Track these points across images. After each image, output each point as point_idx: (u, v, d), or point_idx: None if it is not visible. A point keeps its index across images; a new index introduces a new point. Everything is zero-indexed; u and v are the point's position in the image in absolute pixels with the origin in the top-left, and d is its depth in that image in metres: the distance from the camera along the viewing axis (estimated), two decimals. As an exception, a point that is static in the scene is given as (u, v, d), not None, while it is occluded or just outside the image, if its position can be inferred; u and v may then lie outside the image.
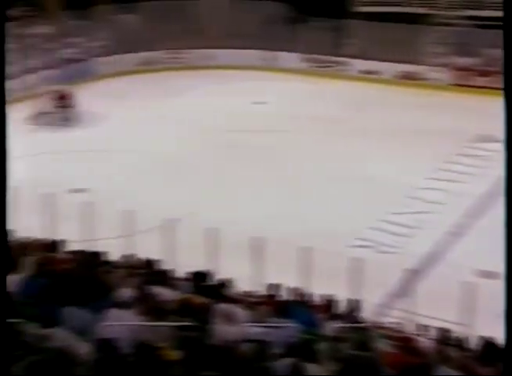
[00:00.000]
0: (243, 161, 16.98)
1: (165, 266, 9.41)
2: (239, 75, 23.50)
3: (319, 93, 22.47)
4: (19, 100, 20.75)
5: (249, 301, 7.38)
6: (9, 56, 17.92)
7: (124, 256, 8.91)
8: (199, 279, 7.75)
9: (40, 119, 19.71)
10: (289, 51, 24.66)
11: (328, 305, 7.71)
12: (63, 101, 19.90)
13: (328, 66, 24.76)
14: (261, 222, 13.06)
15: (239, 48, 24.57)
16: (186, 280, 8.00)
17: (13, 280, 6.63)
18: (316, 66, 24.95)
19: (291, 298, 7.90)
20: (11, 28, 22.29)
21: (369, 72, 23.97)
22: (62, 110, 19.85)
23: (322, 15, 23.73)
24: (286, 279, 8.54)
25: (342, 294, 7.92)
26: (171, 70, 24.97)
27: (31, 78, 22.18)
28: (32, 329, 5.06)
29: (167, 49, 25.46)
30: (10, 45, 22.06)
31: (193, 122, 19.92)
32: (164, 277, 7.74)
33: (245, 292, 8.24)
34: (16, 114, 19.86)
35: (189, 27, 25.47)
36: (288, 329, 6.27)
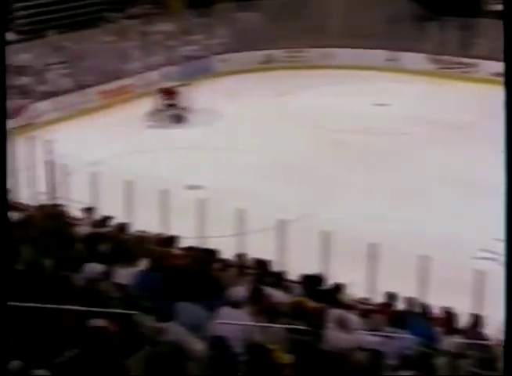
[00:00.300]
0: (360, 164, 16.81)
1: (277, 267, 9.49)
2: (360, 76, 23.26)
3: (444, 96, 21.84)
4: (140, 97, 21.68)
5: (363, 309, 7.28)
6: (132, 53, 18.70)
7: (236, 255, 9.04)
8: (312, 282, 7.73)
9: (155, 116, 20.37)
10: (414, 51, 24.09)
11: (447, 318, 7.47)
12: (170, 99, 20.37)
13: (455, 68, 23.99)
14: (375, 226, 12.88)
15: (360, 48, 24.29)
16: (299, 282, 8.01)
17: (130, 273, 6.89)
18: (443, 68, 24.23)
19: (408, 308, 7.72)
20: (134, 26, 23.33)
21: (499, 74, 23.05)
22: (168, 108, 20.33)
23: (453, 13, 23.00)
24: (402, 287, 8.37)
25: (462, 308, 7.65)
26: (289, 68, 25.09)
27: (153, 75, 23.01)
28: (148, 322, 5.23)
29: (286, 48, 25.58)
30: (133, 43, 23.08)
31: (309, 122, 19.94)
32: (276, 279, 7.78)
33: (359, 299, 8.14)
34: (137, 110, 20.77)
35: (309, 25, 25.49)
36: (404, 340, 6.13)
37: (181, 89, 20.66)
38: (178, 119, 20.26)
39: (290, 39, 25.52)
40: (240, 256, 9.00)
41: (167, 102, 20.43)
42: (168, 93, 20.56)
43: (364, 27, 23.82)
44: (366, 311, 7.26)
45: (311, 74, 24.67)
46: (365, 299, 8.92)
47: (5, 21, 3.01)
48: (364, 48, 24.27)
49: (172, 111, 20.34)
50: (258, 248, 10.71)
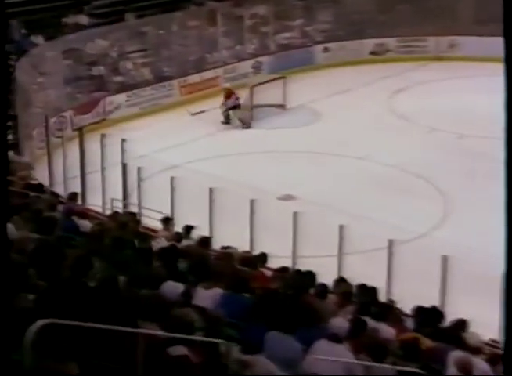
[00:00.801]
0: (488, 176, 16.38)
1: (386, 296, 9.40)
2: (491, 69, 22.70)
3: None
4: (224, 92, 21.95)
5: (493, 353, 7.07)
6: (220, 41, 19.08)
7: (337, 280, 9.01)
8: (428, 316, 7.60)
9: (252, 113, 20.55)
10: None
11: None
12: (229, 100, 20.45)
13: None
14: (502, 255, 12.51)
15: (493, 36, 23.77)
16: (412, 316, 7.89)
17: (213, 295, 6.98)
18: None
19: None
20: (223, 9, 23.65)
21: None
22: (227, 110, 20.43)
23: None
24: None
25: None
26: (405, 60, 24.86)
27: (243, 66, 23.30)
28: (233, 353, 5.27)
29: (402, 36, 25.36)
30: (221, 29, 23.40)
31: (427, 125, 19.64)
32: (384, 310, 7.69)
33: (488, 340, 7.92)
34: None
35: (430, 8, 25.17)
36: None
37: (234, 91, 20.74)
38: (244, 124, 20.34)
39: (406, 25, 25.29)
40: (341, 281, 8.95)
41: (224, 103, 20.50)
42: (226, 95, 20.65)
43: (496, 10, 23.29)
44: (496, 356, 7.04)
45: (432, 67, 24.35)
46: (496, 342, 8.66)
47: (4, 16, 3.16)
48: (497, 36, 23.72)
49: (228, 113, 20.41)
50: (363, 273, 10.68)
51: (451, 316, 7.82)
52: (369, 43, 25.34)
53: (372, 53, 25.37)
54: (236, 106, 20.50)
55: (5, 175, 3.02)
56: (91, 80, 20.73)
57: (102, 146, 14.10)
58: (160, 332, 4.81)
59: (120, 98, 20.73)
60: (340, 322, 6.45)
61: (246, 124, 20.28)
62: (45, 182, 13.73)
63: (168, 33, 22.78)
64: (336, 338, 6.10)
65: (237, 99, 20.42)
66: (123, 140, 14.10)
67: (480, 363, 6.41)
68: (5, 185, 2.98)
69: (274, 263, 9.59)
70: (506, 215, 2.84)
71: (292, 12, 25.42)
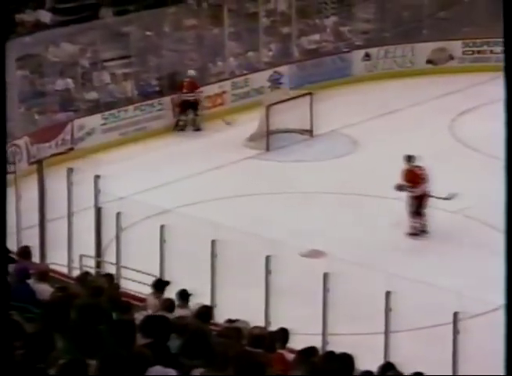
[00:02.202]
0: None
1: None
2: None
3: None
4: (237, 111, 22.06)
5: None
6: (226, 45, 19.09)
7: (382, 366, 8.97)
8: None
9: (258, 142, 20.74)
10: None
11: None
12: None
13: None
14: None
15: None
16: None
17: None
18: None
19: None
20: (229, 3, 23.75)
21: None
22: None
23: None
24: None
25: None
26: (471, 71, 24.94)
27: (258, 79, 23.45)
28: None
29: (470, 39, 25.50)
30: (228, 29, 23.50)
31: (499, 155, 19.54)
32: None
33: None
34: (231, 132, 21.11)
35: (499, 3, 25.30)
36: None
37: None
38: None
39: (475, 24, 25.38)
40: (389, 368, 8.91)
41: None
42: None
43: None
44: None
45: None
46: None
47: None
48: None
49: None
50: (418, 356, 10.62)
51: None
52: (426, 48, 25.50)
53: (429, 62, 25.49)
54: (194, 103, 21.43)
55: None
56: (55, 96, 20.80)
57: (69, 185, 14.14)
58: None
59: (94, 121, 20.83)
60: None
61: (196, 127, 21.56)
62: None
63: (158, 35, 22.91)
64: None
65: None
66: (97, 177, 14.15)
67: None
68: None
69: (298, 343, 9.54)
70: (506, 216, 3.21)
71: (322, 8, 25.56)
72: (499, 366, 10.55)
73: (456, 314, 10.89)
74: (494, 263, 15.58)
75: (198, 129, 21.73)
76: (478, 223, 16.78)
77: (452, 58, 25.55)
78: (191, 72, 22.20)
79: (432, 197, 16.56)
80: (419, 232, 16.32)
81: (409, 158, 16.79)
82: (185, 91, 21.64)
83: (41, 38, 20.82)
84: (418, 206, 16.44)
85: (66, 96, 21.02)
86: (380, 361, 9.63)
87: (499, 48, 25.37)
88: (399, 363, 9.15)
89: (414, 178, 16.68)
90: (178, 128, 21.77)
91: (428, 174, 16.69)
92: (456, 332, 10.81)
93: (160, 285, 11.06)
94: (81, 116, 20.82)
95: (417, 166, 16.89)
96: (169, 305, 10.08)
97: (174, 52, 22.93)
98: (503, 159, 3.88)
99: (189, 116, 21.79)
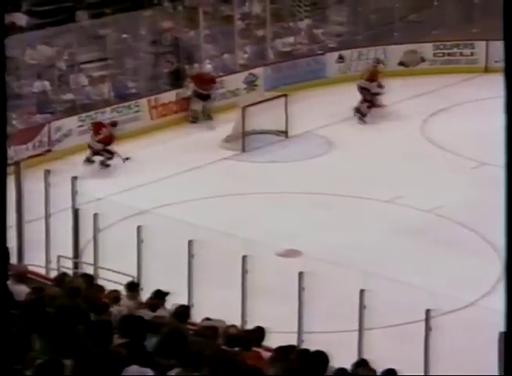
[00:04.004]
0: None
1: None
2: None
3: None
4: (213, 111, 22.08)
5: None
6: (202, 47, 18.99)
7: (356, 363, 8.99)
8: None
9: (234, 143, 20.77)
10: None
11: None
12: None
13: None
14: None
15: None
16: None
17: None
18: None
19: None
20: (204, 6, 23.75)
21: None
22: None
23: None
24: None
25: None
26: (442, 73, 25.03)
27: (232, 81, 23.46)
28: None
29: (441, 41, 25.57)
30: (203, 32, 23.53)
31: (475, 157, 19.72)
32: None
33: None
34: (206, 134, 21.13)
35: (473, 5, 25.48)
36: None
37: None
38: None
39: (446, 27, 25.48)
40: (361, 364, 8.93)
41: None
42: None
43: None
44: None
45: (481, 80, 24.48)
46: None
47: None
48: None
49: None
50: (391, 353, 10.66)
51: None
52: (397, 50, 25.52)
53: (401, 64, 25.56)
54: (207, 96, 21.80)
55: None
56: (32, 99, 20.74)
57: (47, 186, 14.10)
58: None
59: (71, 122, 20.77)
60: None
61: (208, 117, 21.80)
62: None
63: (134, 37, 22.88)
64: None
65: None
66: (74, 178, 14.12)
67: None
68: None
69: (273, 341, 9.55)
70: (506, 217, 3.22)
71: (296, 11, 25.55)
72: (470, 362, 10.67)
73: (428, 311, 10.94)
74: (465, 261, 15.79)
75: (210, 118, 21.85)
76: (450, 222, 16.84)
77: (423, 60, 25.62)
78: (209, 67, 22.61)
79: None
80: None
81: None
82: (199, 84, 21.92)
83: (18, 41, 20.70)
84: None
85: (43, 98, 20.95)
86: (354, 358, 9.67)
87: (469, 51, 25.55)
88: (373, 360, 9.19)
89: None
90: (192, 119, 21.90)
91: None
92: (427, 329, 10.86)
93: (132, 286, 11.03)
94: (58, 118, 20.74)
95: None
96: (146, 305, 10.09)
97: (150, 54, 22.91)
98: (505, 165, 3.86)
99: (200, 106, 21.94)
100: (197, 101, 21.94)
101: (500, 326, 10.55)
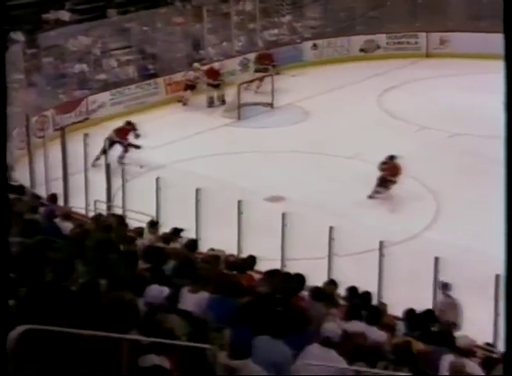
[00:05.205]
0: (479, 175, 16.43)
1: (376, 299, 9.40)
2: (483, 66, 22.78)
3: None
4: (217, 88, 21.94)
5: (486, 357, 7.08)
6: (207, 38, 18.91)
7: (327, 283, 9.00)
8: (420, 320, 7.60)
9: (231, 112, 20.59)
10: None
11: None
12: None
13: None
14: (500, 253, 12.54)
15: (485, 32, 23.81)
16: (404, 319, 7.89)
17: (200, 299, 6.96)
18: None
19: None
20: (209, 5, 23.57)
21: None
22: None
23: None
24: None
25: None
26: (396, 57, 24.85)
27: (231, 63, 23.29)
28: (220, 358, 5.26)
29: (393, 33, 25.39)
30: (207, 25, 23.35)
31: (418, 124, 19.67)
32: (375, 313, 7.69)
33: (481, 344, 7.94)
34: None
35: (417, 4, 25.26)
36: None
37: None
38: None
39: (396, 21, 25.33)
40: (332, 284, 8.95)
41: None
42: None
43: (490, 5, 23.39)
44: (489, 360, 7.05)
45: (423, 64, 24.39)
46: (489, 345, 8.69)
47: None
48: (491, 32, 23.72)
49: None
50: (353, 275, 10.68)
51: (444, 320, 7.83)
52: (359, 40, 25.33)
53: (362, 50, 25.39)
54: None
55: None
56: (74, 78, 20.63)
57: (85, 146, 14.03)
58: (142, 338, 4.78)
59: (104, 96, 20.65)
60: (333, 327, 6.43)
61: (222, 101, 21.21)
62: (26, 183, 13.65)
63: (153, 29, 22.74)
64: (329, 343, 6.07)
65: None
66: (106, 139, 14.05)
67: (473, 367, 6.42)
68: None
69: (263, 266, 9.56)
70: (506, 215, 2.88)
71: (280, 9, 25.39)
72: (414, 282, 10.62)
73: (381, 242, 10.97)
74: (410, 203, 15.76)
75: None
76: (409, 179, 16.80)
77: (379, 47, 25.47)
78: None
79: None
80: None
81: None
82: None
83: (62, 33, 20.66)
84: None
85: (82, 78, 20.82)
86: (325, 279, 9.70)
87: (414, 40, 25.48)
88: (339, 280, 9.22)
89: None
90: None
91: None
92: (381, 256, 10.90)
93: (152, 224, 11.04)
94: (93, 93, 20.60)
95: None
96: (164, 239, 10.09)
97: (165, 42, 22.78)
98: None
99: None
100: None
101: (438, 252, 10.62)
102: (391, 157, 15.58)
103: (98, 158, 15.88)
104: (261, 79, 21.76)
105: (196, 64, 21.96)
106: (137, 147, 17.07)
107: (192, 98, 21.60)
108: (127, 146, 17.08)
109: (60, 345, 4.32)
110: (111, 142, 16.68)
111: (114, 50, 21.81)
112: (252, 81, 21.56)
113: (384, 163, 15.63)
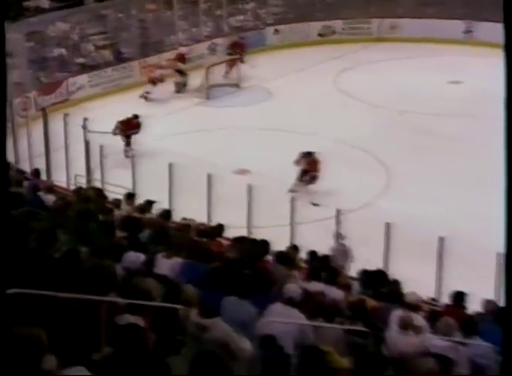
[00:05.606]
0: (428, 149, 16.58)
1: (334, 262, 9.49)
2: (432, 50, 22.86)
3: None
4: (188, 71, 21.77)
5: (431, 310, 7.20)
6: (178, 24, 18.65)
7: (290, 247, 9.06)
8: (373, 279, 7.70)
9: (202, 92, 20.47)
10: (495, 21, 23.49)
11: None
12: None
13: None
14: (444, 219, 12.70)
15: (433, 18, 23.87)
16: (358, 279, 7.98)
17: (173, 264, 6.97)
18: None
19: (481, 311, 7.61)
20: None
21: None
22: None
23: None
24: (475, 288, 8.28)
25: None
26: (351, 42, 24.87)
27: (200, 48, 23.09)
28: (192, 317, 5.28)
29: (348, 19, 25.36)
30: (178, 12, 23.13)
31: (372, 102, 19.75)
32: (333, 274, 7.77)
33: (426, 299, 8.07)
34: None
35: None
36: (477, 347, 6.05)
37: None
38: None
39: (351, 8, 25.29)
40: (294, 249, 9.01)
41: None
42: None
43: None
44: (433, 313, 7.19)
45: (375, 47, 24.41)
46: (433, 299, 8.85)
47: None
48: (437, 18, 23.82)
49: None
50: (313, 240, 10.76)
51: (394, 279, 7.93)
52: (317, 25, 25.28)
53: (319, 35, 25.35)
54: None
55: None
56: (54, 62, 20.36)
57: (66, 125, 13.90)
58: (120, 299, 4.78)
59: (83, 79, 20.42)
60: (293, 287, 6.48)
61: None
62: (11, 159, 13.50)
63: (127, 16, 22.49)
64: (291, 302, 6.13)
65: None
66: (85, 119, 13.93)
67: (419, 320, 6.53)
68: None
69: (231, 233, 9.60)
70: (507, 214, 2.75)
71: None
72: (366, 245, 10.70)
73: (338, 210, 11.07)
74: (363, 174, 15.87)
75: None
76: (353, 147, 16.88)
77: (335, 32, 25.46)
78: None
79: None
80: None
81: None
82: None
83: (43, 19, 20.38)
84: None
85: (62, 61, 20.57)
86: (287, 244, 9.76)
87: (367, 26, 25.49)
88: (301, 245, 9.29)
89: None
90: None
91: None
92: (338, 223, 11.00)
93: (129, 196, 10.99)
94: (73, 76, 20.37)
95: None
96: (140, 210, 10.06)
97: (139, 28, 22.53)
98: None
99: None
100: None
101: (387, 219, 10.70)
102: (309, 153, 14.67)
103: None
104: (230, 65, 21.56)
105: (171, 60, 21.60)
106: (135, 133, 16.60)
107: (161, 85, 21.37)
108: (128, 141, 16.40)
109: (45, 307, 4.31)
110: (115, 134, 16.09)
111: (91, 35, 21.56)
112: (220, 63, 21.41)
113: (302, 157, 14.68)
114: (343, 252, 10.21)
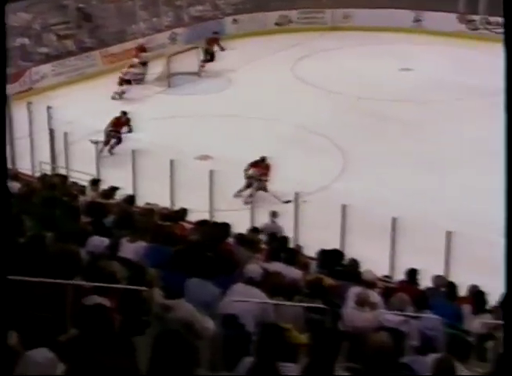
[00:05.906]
0: (382, 134, 16.72)
1: (293, 243, 9.54)
2: (382, 38, 23.01)
3: (473, 60, 21.44)
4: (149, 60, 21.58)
5: (385, 287, 7.29)
6: (138, 14, 18.43)
7: (250, 230, 9.08)
8: (330, 258, 7.76)
9: (163, 81, 20.30)
10: (443, 11, 23.70)
11: (475, 297, 7.47)
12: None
13: (489, 29, 23.61)
14: (398, 200, 12.86)
15: (383, 8, 24.02)
16: (316, 258, 8.03)
17: (137, 248, 6.93)
18: (474, 29, 23.89)
19: (432, 286, 7.72)
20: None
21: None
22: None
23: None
24: (426, 264, 8.41)
25: (491, 287, 7.65)
26: (306, 31, 24.87)
27: (160, 37, 22.89)
28: (156, 298, 5.27)
29: (303, 8, 25.38)
30: (139, 2, 22.89)
31: (328, 89, 19.81)
32: (292, 254, 7.80)
33: (380, 276, 8.16)
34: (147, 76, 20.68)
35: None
36: (428, 320, 6.15)
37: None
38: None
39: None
40: (254, 231, 9.03)
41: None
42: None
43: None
44: (388, 289, 7.28)
45: (329, 36, 24.45)
46: (387, 277, 8.96)
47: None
48: (388, 7, 23.97)
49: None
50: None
51: (350, 257, 8.00)
52: (274, 15, 25.28)
53: (276, 24, 25.34)
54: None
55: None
56: (17, 51, 20.00)
57: (30, 113, 13.69)
58: (85, 283, 4.75)
59: (46, 68, 20.11)
60: (253, 267, 6.50)
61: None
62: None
63: (89, 6, 22.17)
64: (251, 282, 6.15)
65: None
66: (49, 107, 13.73)
67: (374, 296, 6.61)
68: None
69: (193, 217, 9.58)
70: (507, 213, 2.73)
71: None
72: (325, 225, 10.74)
73: (296, 193, 11.11)
74: (322, 158, 15.95)
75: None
76: (312, 132, 16.95)
77: (291, 22, 25.47)
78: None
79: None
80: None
81: None
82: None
83: (6, 9, 19.88)
84: None
85: (25, 51, 20.23)
86: (248, 227, 9.78)
87: (321, 15, 25.54)
88: (261, 228, 9.32)
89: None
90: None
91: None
92: (297, 206, 11.04)
93: (94, 182, 10.89)
94: (36, 65, 20.06)
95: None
96: (104, 196, 9.97)
97: (100, 18, 22.24)
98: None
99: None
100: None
101: (344, 201, 10.79)
102: (262, 159, 13.97)
103: (101, 150, 14.65)
104: (206, 60, 21.35)
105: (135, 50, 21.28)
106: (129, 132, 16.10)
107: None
108: (120, 138, 15.84)
109: (11, 291, 4.26)
110: (108, 135, 15.64)
111: (54, 25, 21.22)
112: (180, 52, 21.22)
113: (255, 164, 13.95)
114: (273, 229, 10.19)
